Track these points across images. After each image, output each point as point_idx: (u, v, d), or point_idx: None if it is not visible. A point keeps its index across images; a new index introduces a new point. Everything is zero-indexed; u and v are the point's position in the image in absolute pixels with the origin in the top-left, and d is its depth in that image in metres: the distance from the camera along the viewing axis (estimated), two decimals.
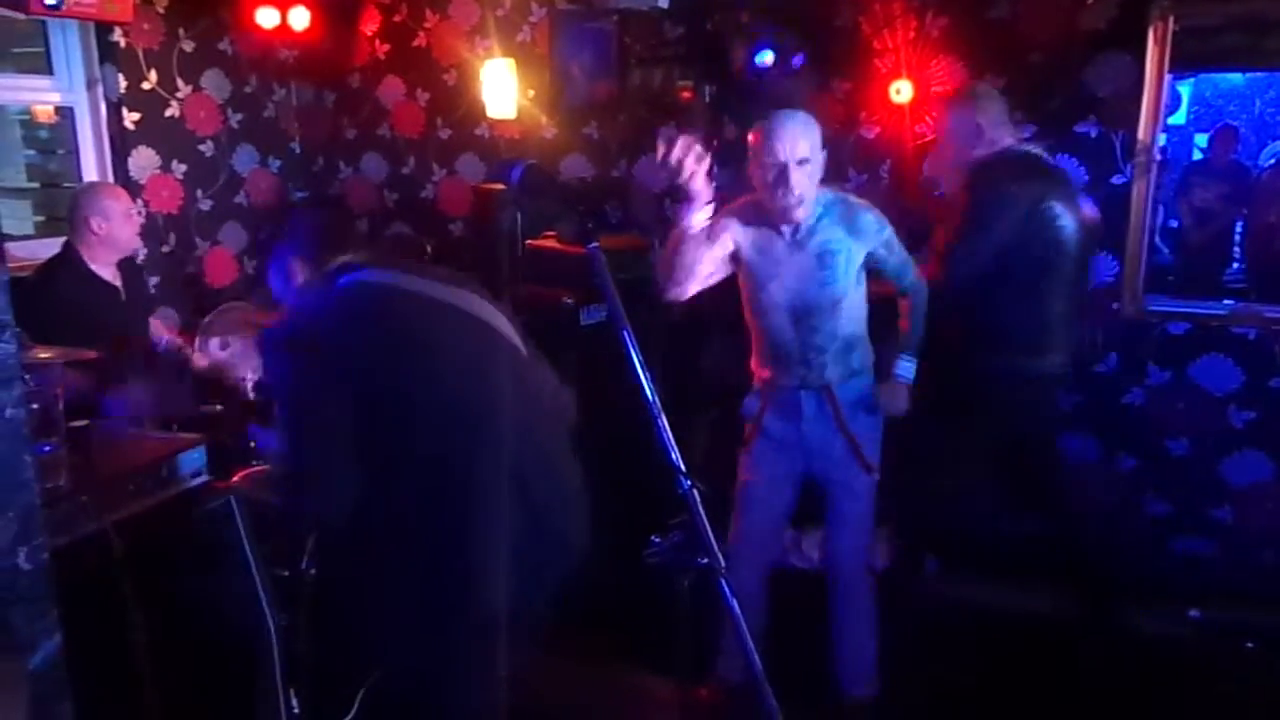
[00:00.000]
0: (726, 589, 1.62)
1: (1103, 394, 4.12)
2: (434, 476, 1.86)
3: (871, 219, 2.76)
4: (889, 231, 2.79)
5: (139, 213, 3.57)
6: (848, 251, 2.72)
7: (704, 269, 2.68)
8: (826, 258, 2.71)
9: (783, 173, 2.60)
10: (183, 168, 4.58)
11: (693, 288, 2.71)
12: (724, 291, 2.91)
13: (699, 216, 2.46)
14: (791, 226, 2.70)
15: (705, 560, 1.59)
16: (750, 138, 2.71)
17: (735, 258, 2.80)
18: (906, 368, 2.89)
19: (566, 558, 2.08)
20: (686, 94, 4.51)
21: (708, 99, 4.48)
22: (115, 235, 3.46)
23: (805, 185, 2.62)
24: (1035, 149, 3.28)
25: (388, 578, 1.93)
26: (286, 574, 2.72)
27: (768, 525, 2.99)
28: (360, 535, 1.92)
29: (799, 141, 2.59)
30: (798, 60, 4.21)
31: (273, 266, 2.10)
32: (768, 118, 2.66)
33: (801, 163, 2.60)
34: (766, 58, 4.19)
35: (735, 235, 2.78)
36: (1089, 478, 4.17)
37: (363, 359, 1.82)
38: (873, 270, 2.84)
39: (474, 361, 1.92)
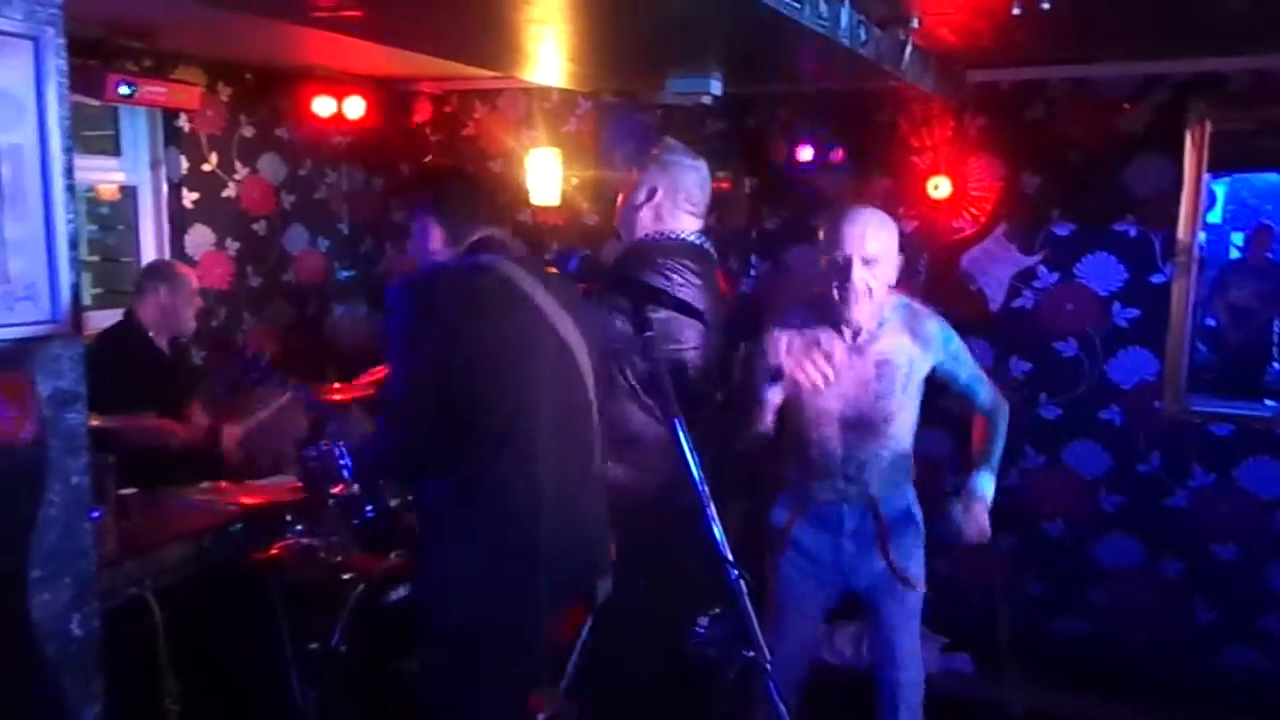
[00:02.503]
0: (773, 687, 1.59)
1: (1145, 495, 4.06)
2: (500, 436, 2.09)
3: (937, 328, 2.57)
4: (956, 343, 2.59)
5: (199, 296, 3.70)
6: (910, 363, 2.52)
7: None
8: (886, 367, 2.51)
9: (845, 267, 2.41)
10: (236, 245, 4.72)
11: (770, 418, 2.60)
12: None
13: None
14: (852, 330, 2.51)
15: (751, 654, 1.57)
16: (820, 230, 2.57)
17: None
18: (985, 483, 2.58)
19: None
20: (725, 185, 4.61)
21: (748, 190, 4.58)
22: (178, 310, 3.60)
23: (869, 285, 2.43)
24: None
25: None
26: (316, 648, 2.73)
27: (799, 645, 2.75)
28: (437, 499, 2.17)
29: (868, 238, 2.42)
30: (837, 155, 4.31)
31: (415, 224, 2.27)
32: (841, 210, 2.52)
33: (868, 262, 2.42)
34: (807, 153, 4.30)
35: (782, 353, 2.57)
36: (1132, 583, 4.09)
37: (453, 328, 2.07)
38: (942, 386, 2.63)
39: (535, 360, 2.14)
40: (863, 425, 2.54)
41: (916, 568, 2.68)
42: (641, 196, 2.71)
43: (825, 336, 2.54)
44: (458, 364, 2.04)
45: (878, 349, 2.52)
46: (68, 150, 1.68)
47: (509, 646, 2.17)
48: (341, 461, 2.94)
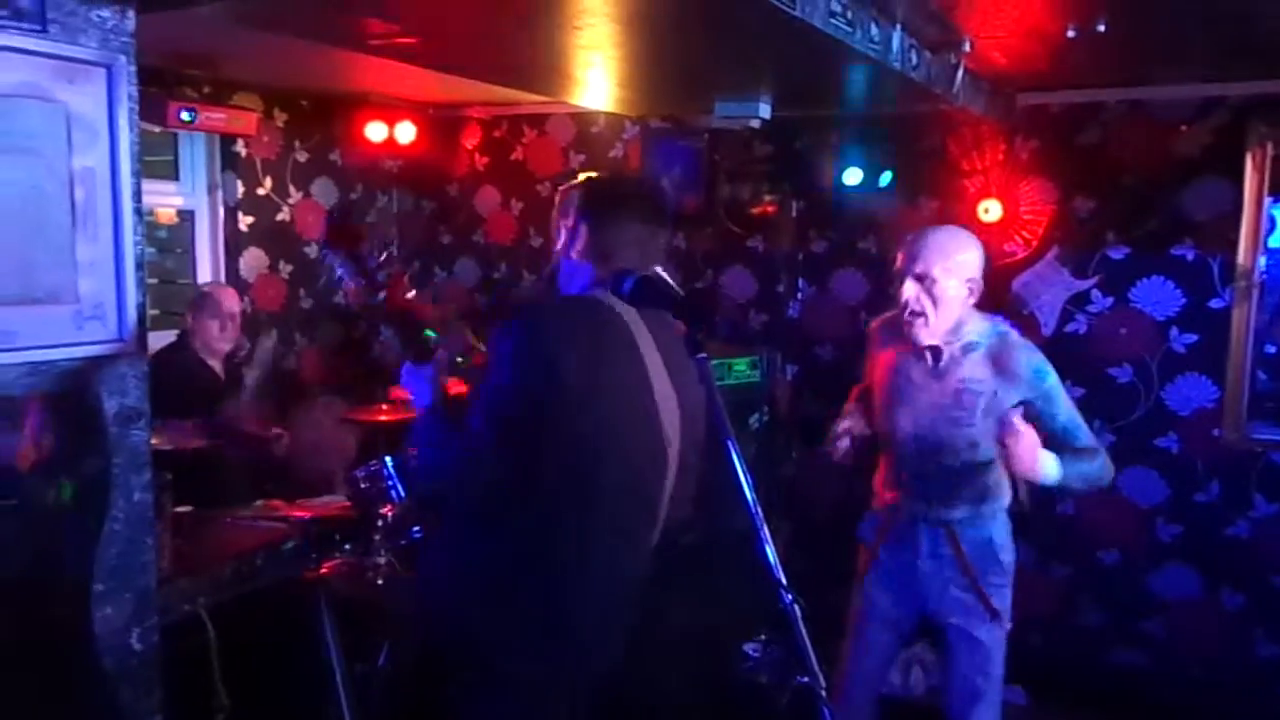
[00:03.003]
0: (827, 713, 1.56)
1: (1204, 525, 3.96)
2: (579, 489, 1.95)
3: (1026, 363, 2.46)
4: (1051, 381, 2.46)
5: (231, 317, 3.79)
6: (991, 394, 2.44)
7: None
8: (965, 396, 2.45)
9: (899, 282, 2.47)
10: (289, 268, 4.81)
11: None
12: (804, 402, 2.88)
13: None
14: (932, 353, 2.50)
15: (805, 679, 1.54)
16: None
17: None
18: (1050, 459, 2.33)
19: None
20: (771, 208, 4.61)
21: (794, 213, 4.58)
22: (201, 332, 3.76)
23: (923, 302, 2.44)
24: None
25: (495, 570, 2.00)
26: (364, 668, 2.75)
27: (877, 660, 2.76)
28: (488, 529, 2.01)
29: (923, 255, 2.44)
30: (885, 178, 4.29)
31: (573, 218, 2.09)
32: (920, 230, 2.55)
33: (920, 277, 2.43)
34: (855, 176, 4.28)
35: (875, 359, 2.69)
36: (1190, 615, 3.99)
37: (554, 368, 1.89)
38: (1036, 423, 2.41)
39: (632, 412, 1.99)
40: (937, 448, 2.51)
41: (1000, 599, 2.60)
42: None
43: (907, 356, 2.56)
44: (546, 404, 1.88)
45: (959, 375, 2.48)
46: (136, 174, 1.72)
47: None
48: (390, 482, 2.98)
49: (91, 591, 1.62)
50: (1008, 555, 2.62)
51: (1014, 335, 2.53)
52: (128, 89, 1.69)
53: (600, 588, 2.01)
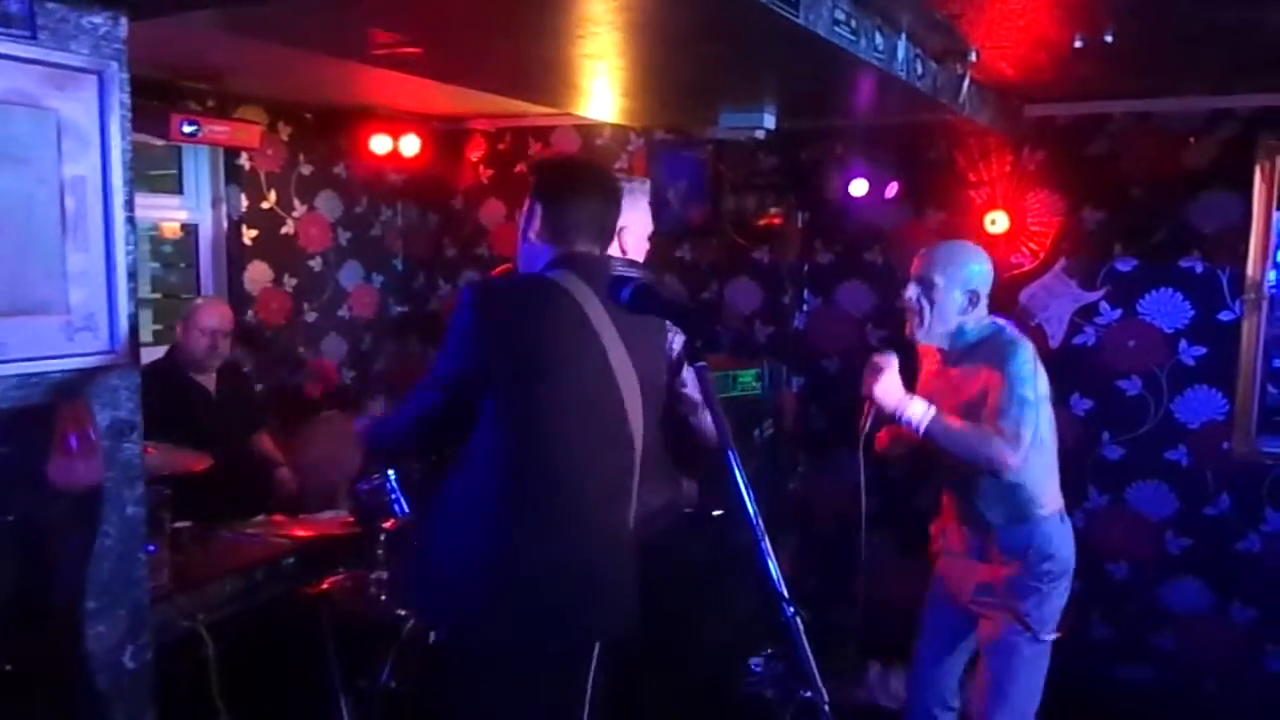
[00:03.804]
0: None
1: (1215, 539, 3.91)
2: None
3: (1007, 350, 2.50)
4: (1013, 370, 2.46)
5: (214, 333, 3.73)
6: (983, 387, 2.51)
7: None
8: (962, 391, 2.54)
9: (904, 285, 2.65)
10: (293, 282, 4.79)
11: None
12: (810, 414, 2.85)
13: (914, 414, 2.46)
14: (941, 357, 2.65)
15: (809, 694, 1.51)
16: None
17: None
18: (920, 405, 2.45)
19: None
20: (777, 219, 4.59)
21: (800, 224, 4.56)
22: (185, 344, 3.74)
23: (919, 304, 2.60)
24: None
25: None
26: (366, 685, 2.72)
27: (937, 657, 2.80)
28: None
29: (923, 261, 2.62)
30: (892, 190, 4.27)
31: (528, 201, 2.17)
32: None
33: (920, 282, 2.59)
34: (861, 187, 4.26)
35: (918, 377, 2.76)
36: (1201, 628, 3.94)
37: (501, 340, 2.00)
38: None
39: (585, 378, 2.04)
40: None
41: (1032, 609, 2.56)
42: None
43: (931, 370, 2.70)
44: (499, 378, 1.99)
45: (958, 371, 2.60)
46: (129, 183, 1.70)
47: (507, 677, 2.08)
48: (393, 496, 2.96)
49: (84, 609, 1.59)
50: (1051, 564, 2.57)
51: (1009, 330, 2.61)
52: (119, 96, 1.67)
53: (569, 556, 2.03)
